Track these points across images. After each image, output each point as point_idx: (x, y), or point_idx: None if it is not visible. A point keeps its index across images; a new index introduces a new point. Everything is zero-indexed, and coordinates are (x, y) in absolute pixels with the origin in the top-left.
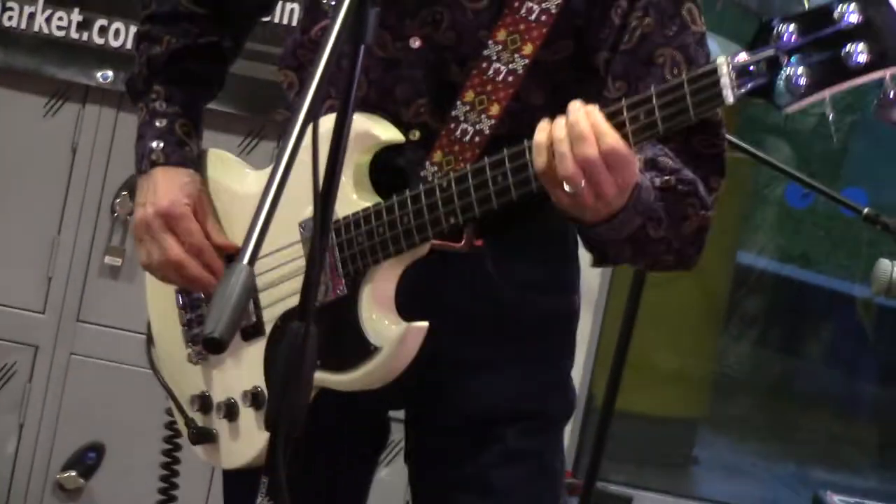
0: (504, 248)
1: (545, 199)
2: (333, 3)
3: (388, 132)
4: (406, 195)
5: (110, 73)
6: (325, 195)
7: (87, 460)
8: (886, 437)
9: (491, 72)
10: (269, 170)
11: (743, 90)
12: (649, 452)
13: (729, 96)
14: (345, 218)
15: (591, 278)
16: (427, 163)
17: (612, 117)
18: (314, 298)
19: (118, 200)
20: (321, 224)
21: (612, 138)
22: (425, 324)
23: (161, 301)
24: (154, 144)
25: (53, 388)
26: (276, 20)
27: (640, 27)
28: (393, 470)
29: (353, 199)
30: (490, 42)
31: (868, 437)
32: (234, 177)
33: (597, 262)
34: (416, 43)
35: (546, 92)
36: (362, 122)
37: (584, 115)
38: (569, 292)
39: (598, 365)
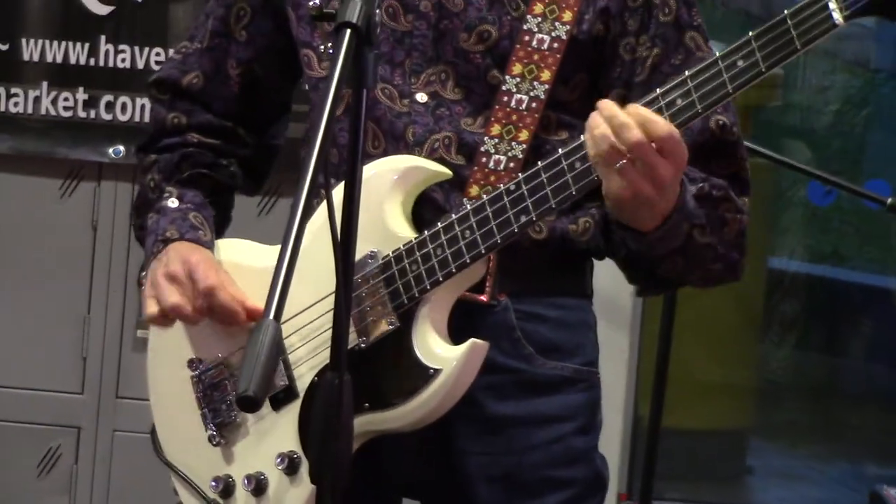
0: (527, 305)
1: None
2: (332, 51)
3: (434, 165)
4: (467, 208)
5: (122, 148)
6: (345, 246)
7: None
8: None
9: (513, 103)
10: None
11: (855, 7)
12: (702, 467)
13: (839, 19)
14: (394, 251)
15: (624, 299)
16: (464, 199)
17: (703, 72)
18: (346, 346)
19: (144, 273)
20: (343, 277)
21: (662, 124)
22: (486, 343)
23: (171, 390)
24: (168, 227)
25: (100, 467)
26: None
27: (650, 58)
28: None
29: (401, 235)
30: (507, 77)
31: None
32: (251, 255)
33: (643, 291)
34: (423, 98)
35: (571, 130)
36: (407, 159)
37: (618, 110)
38: (588, 364)
39: (641, 385)
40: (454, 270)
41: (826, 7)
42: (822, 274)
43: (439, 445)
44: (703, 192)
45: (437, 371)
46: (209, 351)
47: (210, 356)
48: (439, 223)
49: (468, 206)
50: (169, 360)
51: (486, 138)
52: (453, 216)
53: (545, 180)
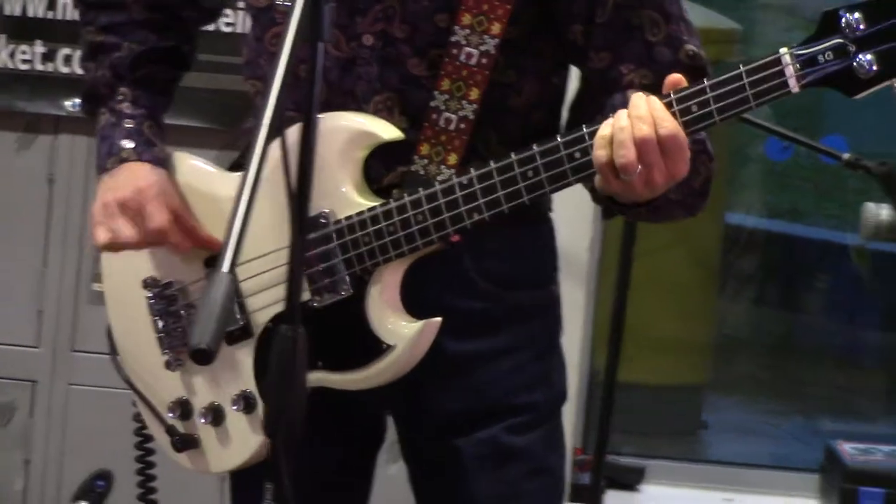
0: (480, 244)
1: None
2: (288, 3)
3: (387, 130)
4: (420, 193)
5: (79, 101)
6: (300, 199)
7: (97, 488)
8: (893, 381)
9: (463, 57)
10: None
11: (810, 79)
12: (658, 422)
13: (794, 87)
14: (347, 218)
15: (580, 253)
16: (415, 157)
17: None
18: (298, 300)
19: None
20: (298, 227)
21: (671, 123)
22: (439, 319)
23: (127, 308)
24: (124, 143)
25: (55, 420)
26: (240, 30)
27: None
28: (401, 467)
29: (354, 199)
30: (456, 28)
31: (874, 383)
32: (206, 179)
33: (607, 216)
34: (369, 41)
35: (519, 70)
36: (359, 121)
37: (644, 101)
38: (545, 284)
39: (598, 339)
40: (406, 252)
41: (782, 73)
42: (779, 230)
43: (402, 388)
44: None
45: (390, 347)
46: (164, 271)
47: (165, 277)
48: (392, 201)
49: (422, 191)
50: (124, 277)
51: (436, 93)
52: (406, 198)
53: (498, 183)
